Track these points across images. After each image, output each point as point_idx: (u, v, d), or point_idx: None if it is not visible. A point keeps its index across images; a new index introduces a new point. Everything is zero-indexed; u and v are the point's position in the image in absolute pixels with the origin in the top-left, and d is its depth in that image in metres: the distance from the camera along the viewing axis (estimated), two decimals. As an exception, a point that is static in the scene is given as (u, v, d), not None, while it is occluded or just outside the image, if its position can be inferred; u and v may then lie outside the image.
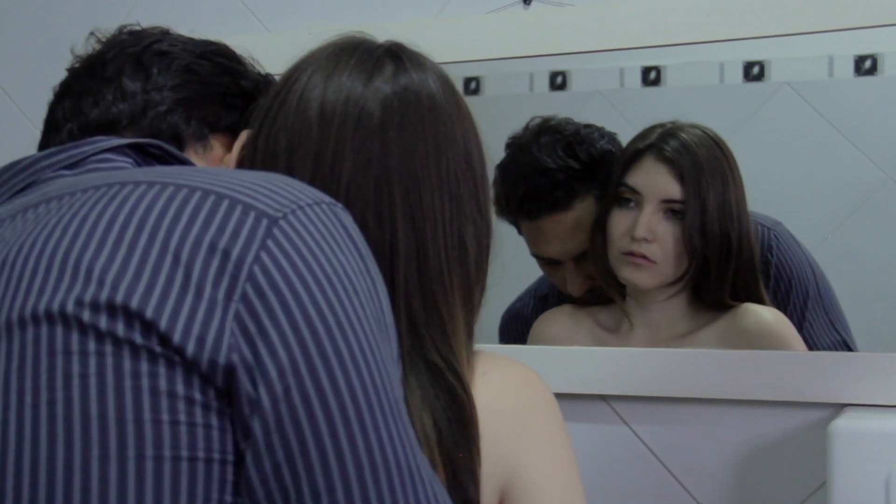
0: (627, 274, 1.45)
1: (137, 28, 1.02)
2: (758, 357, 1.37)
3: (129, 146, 0.83)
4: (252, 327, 0.62)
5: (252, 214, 0.65)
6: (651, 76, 1.53)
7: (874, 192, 1.44)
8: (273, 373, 0.62)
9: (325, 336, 0.63)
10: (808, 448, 1.34)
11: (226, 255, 0.64)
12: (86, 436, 0.61)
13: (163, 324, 0.62)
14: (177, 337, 0.62)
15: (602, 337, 1.52)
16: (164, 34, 1.00)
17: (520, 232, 1.58)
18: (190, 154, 0.95)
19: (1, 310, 0.64)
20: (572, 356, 1.45)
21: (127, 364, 0.61)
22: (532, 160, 1.53)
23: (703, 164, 1.40)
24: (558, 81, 1.57)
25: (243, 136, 0.96)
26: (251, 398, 0.62)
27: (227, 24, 1.67)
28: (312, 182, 0.81)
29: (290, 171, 0.84)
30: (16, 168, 0.79)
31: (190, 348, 0.62)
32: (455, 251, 0.87)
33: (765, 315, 1.43)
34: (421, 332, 0.85)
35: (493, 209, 0.93)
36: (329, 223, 0.68)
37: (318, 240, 0.66)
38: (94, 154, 0.80)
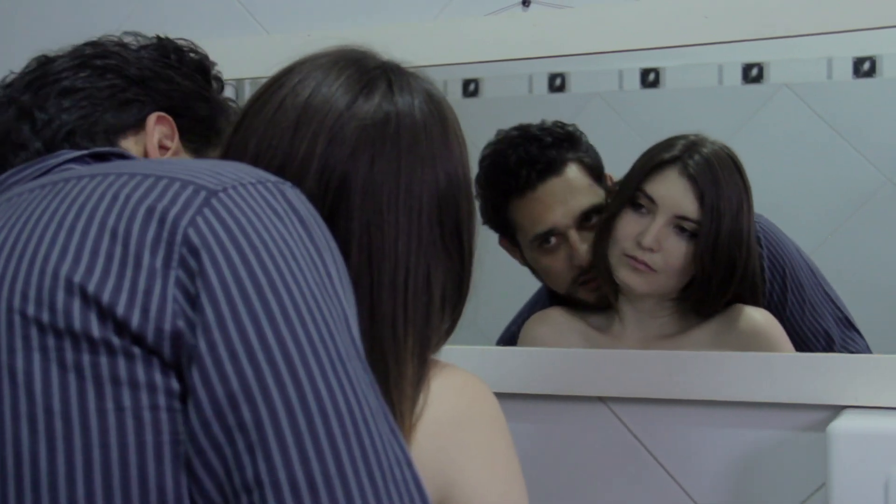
0: (625, 276, 1.45)
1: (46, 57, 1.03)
2: (757, 359, 1.37)
3: (91, 155, 0.85)
4: (192, 290, 0.62)
5: (191, 188, 0.66)
6: (650, 78, 1.53)
7: (873, 194, 1.44)
8: (199, 328, 0.61)
9: (253, 293, 0.62)
10: (808, 450, 1.34)
11: (162, 219, 0.64)
12: (33, 431, 0.61)
13: (105, 297, 0.62)
14: (121, 309, 0.62)
15: (593, 337, 1.52)
16: (47, 61, 1.00)
17: (507, 233, 1.56)
18: None
19: None
20: (571, 358, 1.45)
21: (69, 356, 0.62)
22: (519, 133, 1.55)
23: (723, 187, 1.40)
24: (557, 83, 1.57)
25: (152, 118, 0.96)
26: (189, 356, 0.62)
27: (225, 27, 1.67)
28: None
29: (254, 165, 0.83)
30: None
31: (135, 319, 0.62)
32: (416, 302, 0.83)
33: (755, 316, 1.44)
34: None
35: (475, 252, 0.88)
36: (271, 198, 0.67)
37: (256, 210, 0.66)
38: (56, 166, 0.82)
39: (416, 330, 0.83)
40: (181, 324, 0.62)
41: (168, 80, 0.99)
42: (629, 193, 1.45)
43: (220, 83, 1.10)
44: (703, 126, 1.45)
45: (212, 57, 1.63)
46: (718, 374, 1.38)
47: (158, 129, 0.96)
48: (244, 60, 1.62)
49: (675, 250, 1.42)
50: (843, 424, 1.21)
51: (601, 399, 1.46)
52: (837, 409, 1.32)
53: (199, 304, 0.62)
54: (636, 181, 1.45)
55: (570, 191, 1.53)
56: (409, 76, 0.89)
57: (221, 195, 0.66)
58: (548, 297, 1.59)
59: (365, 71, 0.87)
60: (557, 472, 1.48)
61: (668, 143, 1.45)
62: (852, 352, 1.42)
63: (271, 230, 0.65)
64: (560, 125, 1.54)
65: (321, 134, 0.83)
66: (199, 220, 0.64)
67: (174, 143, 0.97)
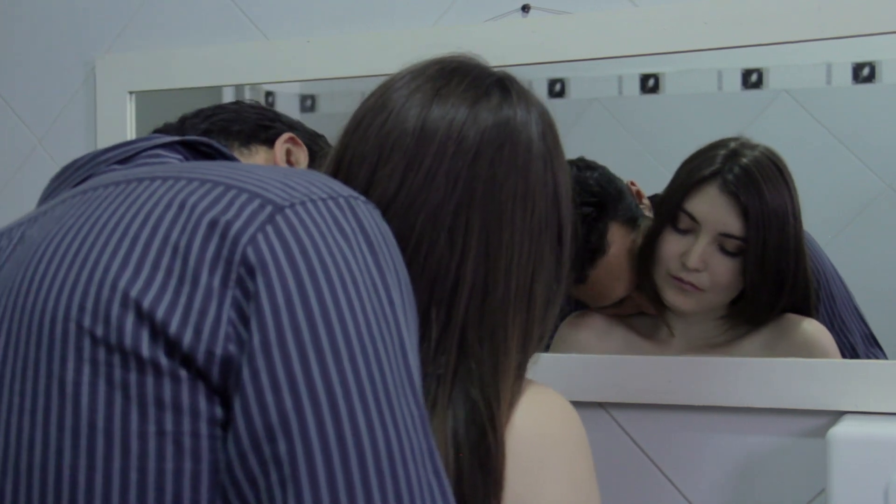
0: (672, 297, 1.43)
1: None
2: (756, 365, 1.37)
3: (181, 143, 0.83)
4: (247, 312, 0.61)
5: (258, 201, 0.65)
6: (649, 84, 1.53)
7: (873, 200, 1.44)
8: (245, 354, 0.60)
9: (304, 322, 0.61)
10: (808, 455, 1.34)
11: (224, 234, 0.63)
12: (75, 445, 0.61)
13: (160, 313, 0.62)
14: (174, 327, 0.61)
15: (637, 343, 1.50)
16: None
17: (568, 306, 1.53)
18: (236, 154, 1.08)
19: (15, 309, 0.66)
20: (570, 363, 1.45)
21: (117, 373, 0.61)
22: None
23: (767, 199, 1.37)
24: (557, 89, 1.57)
25: (283, 137, 1.14)
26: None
27: (226, 33, 1.67)
28: (397, 193, 0.83)
29: (373, 175, 0.85)
30: (78, 163, 0.81)
31: (187, 339, 0.61)
32: (523, 294, 0.85)
33: (807, 327, 1.42)
34: (471, 365, 0.82)
35: (568, 264, 0.91)
36: (340, 216, 0.66)
37: (321, 229, 0.64)
38: (145, 149, 0.81)
39: (521, 323, 0.86)
40: (233, 348, 0.61)
41: (311, 135, 1.19)
42: (670, 213, 1.42)
43: None
44: (703, 132, 1.45)
45: (212, 62, 1.64)
46: (719, 379, 1.38)
47: (287, 146, 1.14)
48: (244, 66, 1.63)
49: (721, 268, 1.39)
50: (843, 430, 1.21)
51: (601, 405, 1.45)
52: (837, 415, 1.32)
53: (250, 329, 0.61)
54: (676, 200, 1.42)
55: (621, 262, 1.48)
56: (522, 87, 0.92)
57: (288, 211, 0.64)
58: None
59: (482, 79, 0.90)
60: (557, 478, 1.47)
61: (708, 156, 1.41)
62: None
63: (334, 252, 0.63)
64: (588, 193, 1.48)
65: (450, 138, 0.85)
66: (260, 237, 0.63)
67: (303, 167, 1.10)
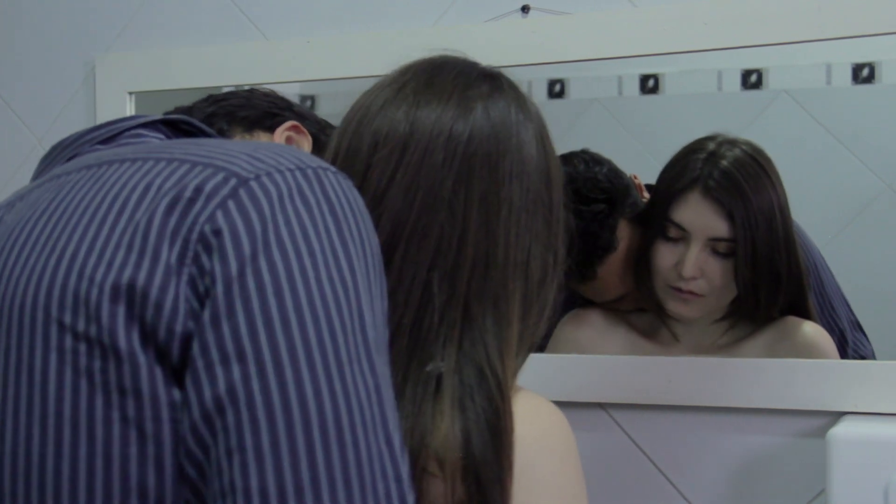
0: (674, 307, 1.43)
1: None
2: (756, 365, 1.37)
3: (163, 122, 0.83)
4: (201, 288, 0.62)
5: (222, 175, 0.65)
6: (649, 84, 1.53)
7: (872, 200, 1.44)
8: (196, 329, 0.61)
9: (254, 293, 0.61)
10: (807, 456, 1.34)
11: (184, 212, 0.63)
12: (43, 433, 0.62)
13: (122, 289, 0.62)
14: (137, 302, 0.62)
15: (640, 343, 1.50)
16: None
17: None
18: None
19: None
20: (570, 364, 1.45)
21: (83, 361, 0.62)
22: (571, 205, 1.51)
23: (751, 198, 1.37)
24: (556, 89, 1.57)
25: (286, 124, 1.14)
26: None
27: (226, 33, 1.67)
28: (394, 174, 0.85)
29: (370, 160, 0.87)
30: (64, 143, 0.82)
31: (149, 313, 0.61)
32: (521, 267, 0.88)
33: (807, 329, 1.42)
34: (475, 334, 0.84)
35: (563, 242, 0.94)
36: (305, 186, 0.66)
37: (283, 200, 0.64)
38: (127, 129, 0.81)
39: (520, 294, 0.88)
40: (191, 325, 0.61)
41: (321, 126, 1.19)
42: (658, 224, 1.42)
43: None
44: (703, 132, 1.45)
45: (212, 62, 1.64)
46: (719, 380, 1.38)
47: (288, 133, 1.14)
48: (244, 66, 1.63)
49: (717, 271, 1.39)
50: (842, 430, 1.21)
51: (601, 405, 1.45)
52: (837, 416, 1.32)
53: (204, 305, 0.61)
54: (662, 210, 1.42)
55: (627, 257, 1.49)
56: (509, 77, 0.95)
57: (252, 183, 0.64)
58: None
59: (470, 70, 0.93)
60: (557, 478, 1.47)
61: (687, 161, 1.41)
62: (862, 353, 1.41)
63: (291, 222, 0.64)
64: (598, 190, 1.48)
65: (442, 126, 0.87)
66: (220, 213, 0.63)
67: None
